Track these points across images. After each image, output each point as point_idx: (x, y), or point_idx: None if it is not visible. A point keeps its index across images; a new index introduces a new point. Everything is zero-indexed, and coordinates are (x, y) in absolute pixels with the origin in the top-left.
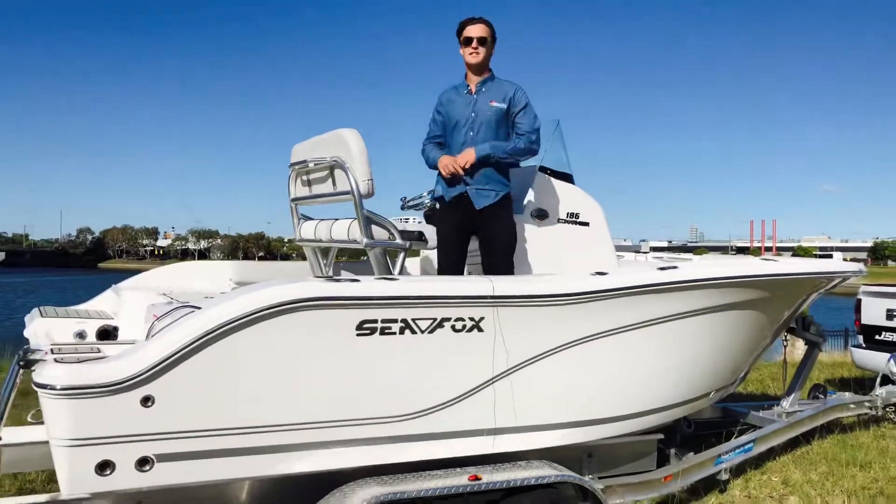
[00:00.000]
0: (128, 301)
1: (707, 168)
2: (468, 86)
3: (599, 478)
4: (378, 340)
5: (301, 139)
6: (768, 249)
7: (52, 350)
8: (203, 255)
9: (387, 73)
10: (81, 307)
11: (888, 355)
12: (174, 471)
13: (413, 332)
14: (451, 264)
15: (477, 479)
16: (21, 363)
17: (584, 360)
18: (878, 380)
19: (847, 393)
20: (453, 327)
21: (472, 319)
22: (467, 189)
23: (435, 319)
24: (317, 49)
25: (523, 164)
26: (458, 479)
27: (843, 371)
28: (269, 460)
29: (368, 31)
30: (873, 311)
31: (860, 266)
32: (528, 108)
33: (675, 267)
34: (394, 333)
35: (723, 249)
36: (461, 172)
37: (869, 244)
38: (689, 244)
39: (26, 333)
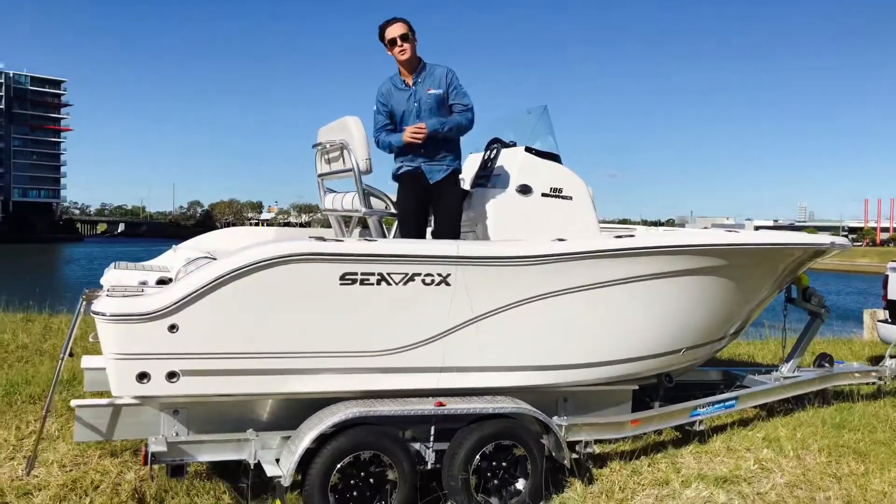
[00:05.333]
0: (180, 257)
1: (819, 144)
2: (404, 80)
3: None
4: (358, 289)
5: None
6: (884, 230)
7: (107, 289)
8: (304, 227)
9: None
10: (147, 262)
11: None
12: (196, 384)
13: (388, 283)
14: (411, 236)
15: (441, 405)
16: (84, 298)
17: (544, 313)
18: (889, 351)
19: (855, 363)
20: (423, 281)
21: (440, 275)
22: (421, 165)
23: (407, 274)
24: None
25: (510, 148)
26: (425, 405)
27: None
28: (271, 381)
29: None
30: None
31: (833, 239)
32: (460, 88)
33: (630, 236)
34: (371, 284)
35: (833, 230)
36: (423, 133)
37: None
38: (797, 223)
39: (102, 281)
